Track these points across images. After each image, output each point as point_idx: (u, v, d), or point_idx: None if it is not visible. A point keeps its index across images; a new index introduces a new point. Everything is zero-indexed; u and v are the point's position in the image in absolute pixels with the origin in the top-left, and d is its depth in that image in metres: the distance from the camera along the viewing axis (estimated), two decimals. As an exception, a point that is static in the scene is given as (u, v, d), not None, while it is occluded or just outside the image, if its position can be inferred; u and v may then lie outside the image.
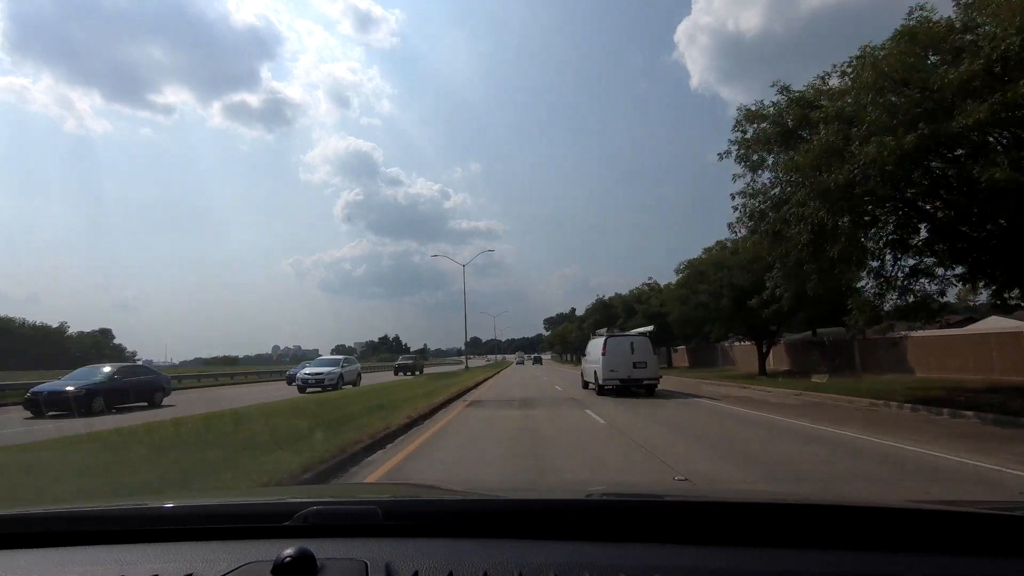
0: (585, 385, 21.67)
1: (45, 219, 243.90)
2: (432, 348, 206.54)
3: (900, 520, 1.13)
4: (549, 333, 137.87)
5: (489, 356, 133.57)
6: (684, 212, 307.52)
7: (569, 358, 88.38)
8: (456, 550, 1.04)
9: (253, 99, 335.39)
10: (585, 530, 1.13)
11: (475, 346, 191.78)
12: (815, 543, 1.04)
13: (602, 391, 18.14)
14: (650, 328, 21.55)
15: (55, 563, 1.10)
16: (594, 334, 22.94)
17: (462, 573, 0.94)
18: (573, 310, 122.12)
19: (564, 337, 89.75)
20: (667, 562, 0.99)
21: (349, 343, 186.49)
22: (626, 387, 17.68)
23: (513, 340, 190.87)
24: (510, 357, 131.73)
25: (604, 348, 17.96)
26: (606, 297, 64.96)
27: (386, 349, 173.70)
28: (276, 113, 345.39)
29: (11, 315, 77.17)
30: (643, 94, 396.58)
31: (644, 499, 1.48)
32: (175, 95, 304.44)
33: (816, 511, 1.22)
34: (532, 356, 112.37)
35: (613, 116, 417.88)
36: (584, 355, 22.35)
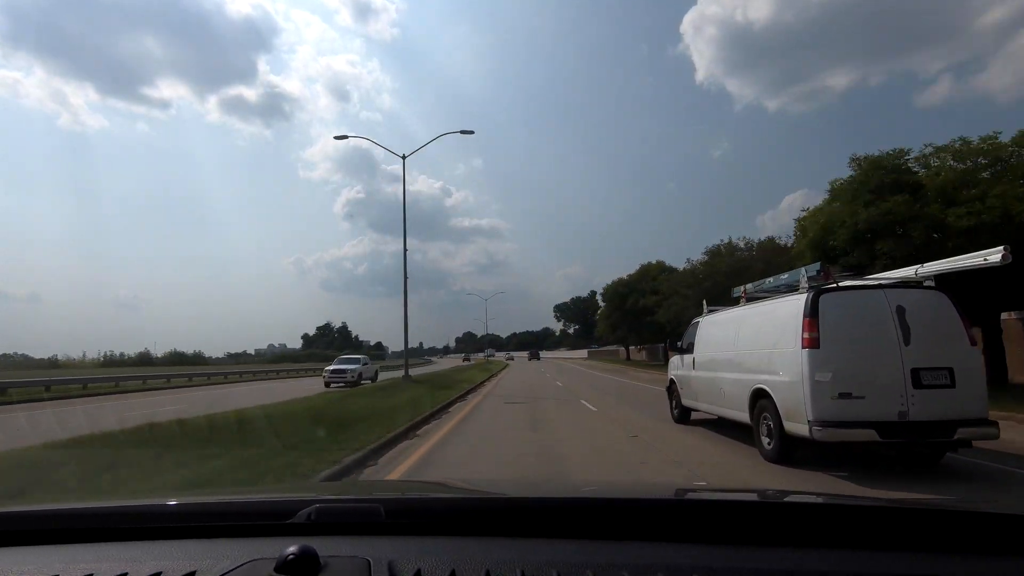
0: (683, 415, 10.71)
1: (44, 217, 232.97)
2: (427, 346, 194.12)
3: (900, 519, 1.12)
4: (562, 323, 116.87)
5: (427, 358, 79.89)
6: (687, 210, 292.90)
7: (656, 356, 46.21)
8: (459, 548, 1.03)
9: (250, 93, 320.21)
10: (588, 528, 1.11)
11: (468, 342, 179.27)
12: (816, 542, 1.03)
13: (784, 451, 6.69)
14: (962, 263, 6.81)
15: (60, 560, 1.07)
16: (745, 291, 9.41)
17: (464, 571, 0.92)
18: (593, 293, 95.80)
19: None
20: (670, 560, 0.97)
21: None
22: (888, 443, 6.02)
23: (515, 334, 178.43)
24: (479, 354, 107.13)
25: (809, 321, 6.35)
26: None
27: (325, 344, 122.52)
28: (274, 108, 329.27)
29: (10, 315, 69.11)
30: (647, 88, 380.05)
31: (646, 498, 1.46)
32: (171, 89, 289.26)
33: (817, 510, 1.22)
34: (529, 351, 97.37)
35: (618, 110, 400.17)
36: (683, 351, 10.62)
